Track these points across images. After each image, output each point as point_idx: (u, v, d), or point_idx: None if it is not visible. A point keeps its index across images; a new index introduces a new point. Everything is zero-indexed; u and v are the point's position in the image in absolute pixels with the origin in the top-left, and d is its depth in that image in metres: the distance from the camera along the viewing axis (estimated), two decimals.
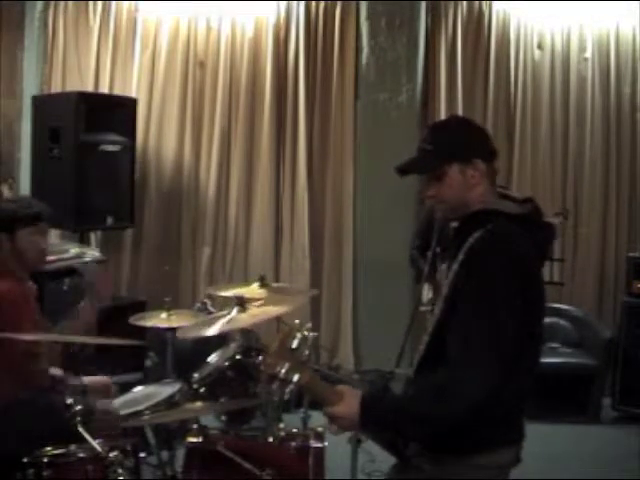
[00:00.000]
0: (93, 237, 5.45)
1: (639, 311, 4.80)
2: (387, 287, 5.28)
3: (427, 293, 3.80)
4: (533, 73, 5.45)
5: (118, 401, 3.08)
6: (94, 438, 2.42)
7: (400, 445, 2.13)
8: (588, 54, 5.39)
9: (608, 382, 4.90)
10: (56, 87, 5.48)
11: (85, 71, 5.50)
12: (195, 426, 2.82)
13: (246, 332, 3.35)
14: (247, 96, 5.52)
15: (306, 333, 3.19)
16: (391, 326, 4.77)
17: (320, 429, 2.88)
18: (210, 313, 3.96)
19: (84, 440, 2.43)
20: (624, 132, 5.41)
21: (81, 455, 2.46)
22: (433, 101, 5.46)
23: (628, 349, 4.81)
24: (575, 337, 5.12)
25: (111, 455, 2.42)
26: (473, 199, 2.05)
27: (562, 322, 5.13)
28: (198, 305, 4.72)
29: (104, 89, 5.45)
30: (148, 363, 4.64)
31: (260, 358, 3.16)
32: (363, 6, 5.35)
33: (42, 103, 5.03)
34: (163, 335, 3.81)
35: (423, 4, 5.35)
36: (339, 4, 5.43)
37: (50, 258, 3.40)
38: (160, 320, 3.42)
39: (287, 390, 2.84)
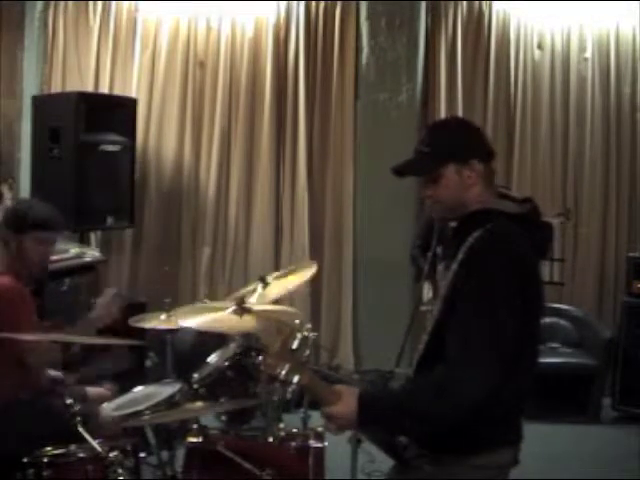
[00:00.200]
0: (93, 237, 5.45)
1: (639, 311, 4.81)
2: (387, 287, 5.28)
3: (427, 292, 3.81)
4: (533, 73, 5.45)
5: (118, 401, 3.08)
6: (94, 438, 2.42)
7: (399, 447, 2.13)
8: (588, 54, 5.39)
9: (608, 382, 4.90)
10: (56, 87, 5.48)
11: (85, 71, 5.50)
12: (195, 426, 2.82)
13: (246, 332, 3.35)
14: (247, 96, 5.52)
15: (306, 333, 3.19)
16: (391, 326, 4.77)
17: (320, 429, 2.87)
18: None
19: (84, 440, 2.43)
20: (624, 132, 5.41)
21: (81, 455, 2.46)
22: (433, 101, 5.46)
23: (628, 349, 4.81)
24: (575, 337, 5.12)
25: (111, 455, 2.43)
26: (470, 199, 2.06)
27: (562, 322, 5.13)
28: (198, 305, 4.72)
29: (104, 89, 5.45)
30: (148, 363, 4.64)
31: (260, 358, 3.16)
32: (363, 6, 5.35)
33: (42, 103, 5.03)
34: (163, 335, 3.81)
35: (423, 4, 5.35)
36: (339, 4, 5.43)
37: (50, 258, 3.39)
38: (160, 321, 3.42)
39: (288, 390, 2.85)
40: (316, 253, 5.50)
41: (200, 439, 2.77)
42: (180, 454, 2.84)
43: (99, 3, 5.48)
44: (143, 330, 3.53)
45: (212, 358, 3.44)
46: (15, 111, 5.27)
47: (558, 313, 5.12)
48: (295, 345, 2.95)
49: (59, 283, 4.26)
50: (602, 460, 4.23)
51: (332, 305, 5.52)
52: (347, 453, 2.99)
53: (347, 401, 1.96)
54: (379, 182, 5.16)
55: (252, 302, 2.84)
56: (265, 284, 3.04)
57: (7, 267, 2.95)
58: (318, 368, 4.55)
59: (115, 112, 5.05)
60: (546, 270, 4.47)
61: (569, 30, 5.40)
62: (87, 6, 5.50)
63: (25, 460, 2.40)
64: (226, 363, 3.23)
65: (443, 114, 5.34)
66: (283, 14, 5.48)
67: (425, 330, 2.09)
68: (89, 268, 4.61)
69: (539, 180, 5.45)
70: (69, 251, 4.44)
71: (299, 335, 3.09)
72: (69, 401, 2.48)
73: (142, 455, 2.79)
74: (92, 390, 3.19)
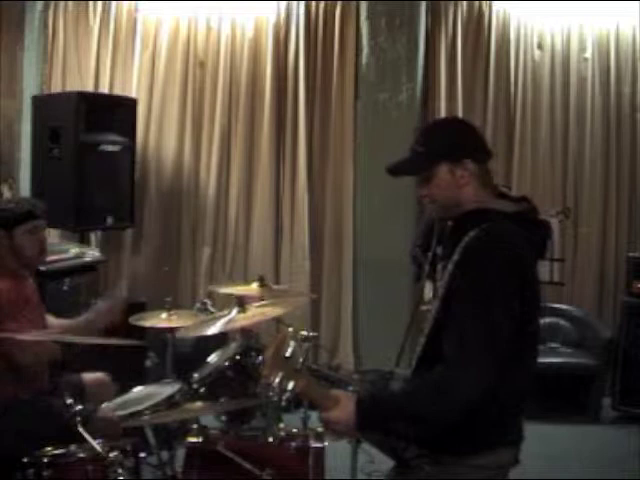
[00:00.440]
0: (93, 237, 5.45)
1: (639, 311, 4.81)
2: (387, 287, 5.27)
3: (429, 292, 3.80)
4: (533, 73, 5.44)
5: (118, 401, 3.08)
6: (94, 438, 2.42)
7: (399, 448, 2.13)
8: (588, 54, 5.39)
9: (608, 382, 4.90)
10: (56, 87, 5.48)
11: (85, 71, 5.50)
12: (195, 426, 2.82)
13: (246, 332, 3.36)
14: (247, 96, 5.52)
15: (300, 340, 3.19)
16: (391, 326, 4.75)
17: (320, 429, 2.87)
18: (210, 313, 3.96)
19: (84, 440, 2.43)
20: (624, 132, 5.41)
21: (81, 455, 2.46)
22: (433, 101, 5.45)
23: (628, 349, 4.81)
24: (575, 337, 5.12)
25: (111, 455, 2.43)
26: (465, 199, 2.06)
27: (562, 322, 5.13)
28: (198, 305, 4.73)
29: (104, 89, 5.45)
30: (148, 363, 4.64)
31: (260, 358, 3.16)
32: (363, 6, 5.35)
33: (42, 103, 5.03)
34: (163, 335, 3.81)
35: (423, 4, 5.35)
36: (339, 4, 5.43)
37: (50, 258, 3.41)
38: (160, 320, 3.42)
39: (283, 398, 2.85)
40: (316, 253, 5.51)
41: (200, 439, 2.77)
42: (180, 454, 2.83)
43: (99, 3, 5.48)
44: (143, 329, 3.55)
45: (212, 358, 3.45)
46: (15, 111, 5.27)
47: (558, 313, 5.12)
48: (288, 353, 2.95)
49: (59, 283, 4.27)
50: (602, 460, 4.23)
51: (332, 305, 5.52)
52: (347, 453, 2.99)
53: (344, 407, 1.96)
54: (379, 182, 5.15)
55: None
56: (242, 309, 2.96)
57: (4, 267, 2.96)
58: (318, 368, 4.54)
59: (115, 112, 5.05)
60: (546, 270, 4.46)
61: (569, 30, 5.40)
62: (87, 6, 5.49)
63: (25, 460, 2.40)
64: (226, 363, 3.24)
65: (443, 114, 5.34)
66: (283, 14, 5.47)
67: (422, 331, 2.09)
68: (89, 268, 4.61)
69: (539, 180, 5.45)
70: (69, 251, 4.45)
71: (292, 342, 3.09)
72: (69, 401, 2.48)
73: (142, 455, 2.78)
74: (88, 377, 3.19)
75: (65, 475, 2.43)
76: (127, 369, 3.70)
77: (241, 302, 2.83)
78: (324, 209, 5.53)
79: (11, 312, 2.85)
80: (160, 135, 5.55)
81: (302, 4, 5.46)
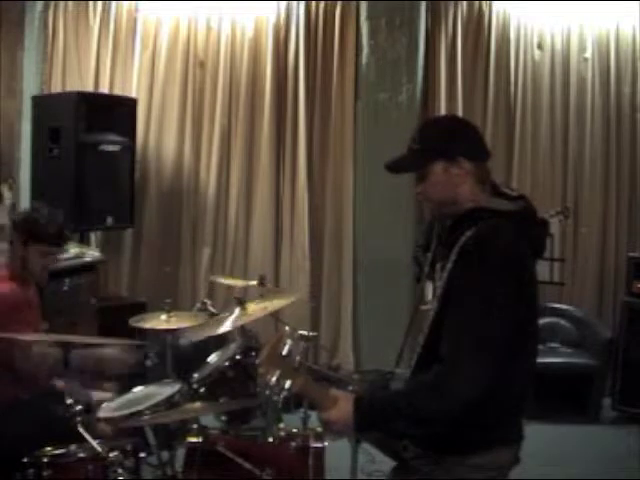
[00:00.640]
0: (93, 237, 5.45)
1: (639, 311, 4.80)
2: (387, 287, 5.27)
3: (429, 292, 3.80)
4: (533, 73, 5.44)
5: (118, 401, 3.08)
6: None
7: (399, 448, 2.13)
8: (588, 54, 5.39)
9: (608, 382, 4.90)
10: (56, 87, 5.48)
11: (85, 71, 5.49)
12: (195, 426, 2.82)
13: (246, 332, 3.36)
14: (247, 96, 5.52)
15: (297, 339, 3.20)
16: (391, 326, 4.76)
17: (320, 429, 2.87)
18: (210, 313, 3.96)
19: (84, 440, 2.43)
20: (624, 132, 5.41)
21: (81, 455, 2.46)
22: (433, 101, 5.45)
23: (628, 349, 4.81)
24: (575, 337, 5.12)
25: (111, 455, 2.43)
26: (462, 197, 2.06)
27: (562, 322, 5.13)
28: (198, 306, 4.72)
29: (104, 89, 5.44)
30: (148, 363, 4.64)
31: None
32: (363, 6, 5.35)
33: (42, 103, 5.03)
34: (163, 335, 3.81)
35: (423, 4, 5.35)
36: (339, 4, 5.43)
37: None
38: (160, 322, 3.42)
39: (281, 396, 2.86)
40: (316, 253, 5.51)
41: (200, 439, 2.77)
42: (180, 454, 2.84)
43: (99, 3, 5.48)
44: (143, 329, 3.55)
45: (212, 358, 3.45)
46: (15, 111, 5.26)
47: (558, 313, 5.12)
48: (285, 351, 2.96)
49: (59, 283, 4.26)
50: (602, 460, 4.23)
51: (332, 305, 5.52)
52: (347, 453, 2.99)
53: (343, 406, 1.96)
54: (379, 182, 5.16)
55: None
56: (243, 306, 3.01)
57: (11, 271, 2.98)
58: (318, 368, 4.54)
59: (115, 112, 5.05)
60: (546, 270, 4.47)
61: (569, 30, 5.40)
62: (87, 6, 5.49)
63: (25, 460, 2.40)
64: (226, 363, 3.23)
65: (443, 114, 5.33)
66: (283, 14, 5.47)
67: (422, 331, 2.09)
68: (89, 268, 4.61)
69: (539, 180, 5.45)
70: (69, 251, 4.45)
71: (289, 341, 3.09)
72: (69, 401, 2.48)
73: (142, 455, 2.78)
74: (97, 395, 3.19)
75: (65, 475, 2.43)
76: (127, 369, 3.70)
77: (241, 301, 2.84)
78: (324, 209, 5.53)
79: (14, 315, 2.86)
80: (160, 135, 5.55)
81: (302, 4, 5.46)
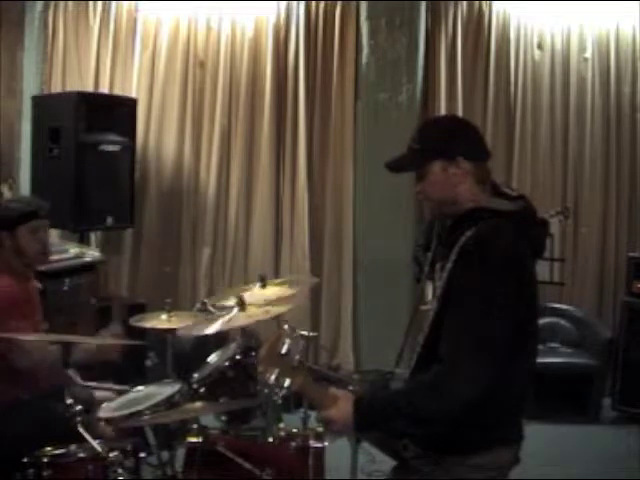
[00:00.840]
0: (93, 237, 5.45)
1: (639, 311, 4.80)
2: (387, 287, 5.27)
3: (429, 292, 3.80)
4: (533, 73, 5.44)
5: (118, 401, 3.08)
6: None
7: (399, 448, 2.13)
8: (588, 54, 5.39)
9: (608, 382, 4.90)
10: (56, 87, 5.48)
11: (85, 71, 5.49)
12: (195, 426, 2.82)
13: (246, 332, 3.35)
14: (247, 96, 5.52)
15: (297, 337, 3.19)
16: (391, 326, 4.77)
17: (320, 429, 2.87)
18: (210, 314, 3.95)
19: (84, 440, 2.43)
20: (624, 132, 5.41)
21: (81, 455, 2.46)
22: (433, 101, 5.45)
23: (628, 349, 4.81)
24: (575, 337, 5.12)
25: (111, 455, 2.43)
26: (462, 197, 2.06)
27: (562, 322, 5.13)
28: (198, 306, 4.71)
29: (104, 89, 5.45)
30: (148, 363, 4.64)
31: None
32: (363, 6, 5.35)
33: (42, 103, 5.03)
34: (163, 335, 3.81)
35: (423, 4, 5.35)
36: (339, 4, 5.43)
37: (50, 258, 3.40)
38: (160, 322, 3.42)
39: (279, 395, 2.86)
40: (316, 253, 5.51)
41: (200, 439, 2.77)
42: (180, 454, 2.84)
43: (99, 3, 5.48)
44: (143, 329, 3.54)
45: (212, 358, 3.45)
46: (15, 111, 5.27)
47: (558, 313, 5.12)
48: (284, 350, 2.95)
49: (59, 283, 4.26)
50: (602, 460, 4.23)
51: (332, 305, 5.52)
52: (347, 453, 2.99)
53: (342, 406, 1.97)
54: (379, 182, 5.16)
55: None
56: (263, 284, 3.06)
57: (7, 267, 2.97)
58: (318, 368, 4.54)
59: (115, 112, 5.05)
60: (546, 270, 4.46)
61: (569, 30, 5.40)
62: (87, 6, 5.49)
63: (25, 460, 2.40)
64: (226, 363, 3.23)
65: (443, 114, 5.33)
66: (283, 14, 5.47)
67: (422, 331, 2.09)
68: (89, 268, 4.61)
69: (539, 180, 5.45)
70: (69, 251, 4.45)
71: (288, 340, 3.08)
72: (69, 401, 2.48)
73: (142, 455, 2.78)
74: (99, 394, 3.19)
75: (65, 475, 2.43)
76: (127, 369, 3.71)
77: (241, 301, 2.83)
78: (324, 209, 5.53)
79: (13, 312, 2.85)
80: (160, 135, 5.55)
81: (302, 4, 5.46)
